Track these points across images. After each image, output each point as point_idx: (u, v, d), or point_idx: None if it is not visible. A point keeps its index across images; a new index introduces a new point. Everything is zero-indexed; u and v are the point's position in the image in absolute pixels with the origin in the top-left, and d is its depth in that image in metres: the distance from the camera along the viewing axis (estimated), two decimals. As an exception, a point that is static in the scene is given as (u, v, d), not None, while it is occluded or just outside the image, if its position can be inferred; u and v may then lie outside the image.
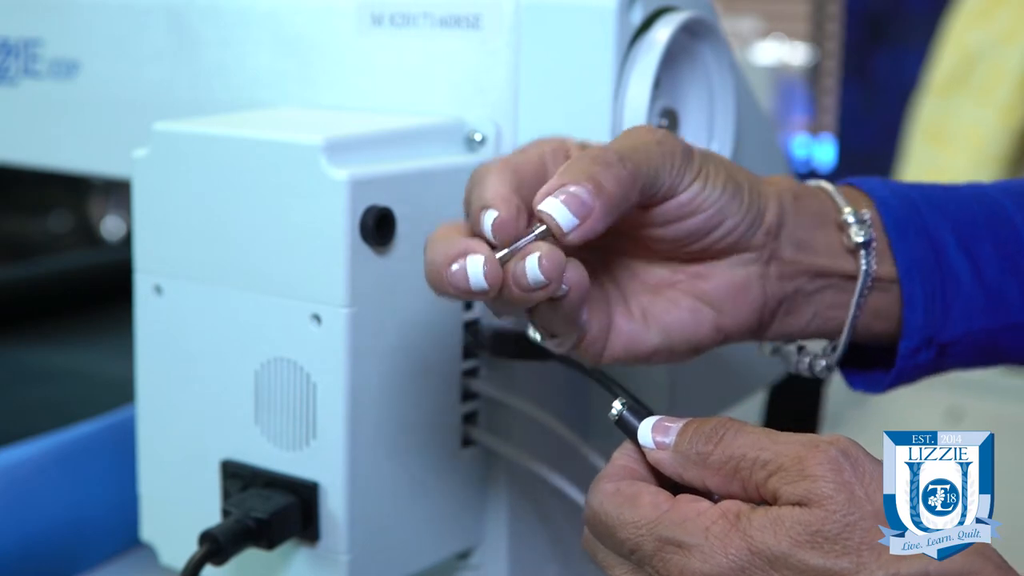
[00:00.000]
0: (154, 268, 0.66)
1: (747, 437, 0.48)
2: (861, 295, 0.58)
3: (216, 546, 0.59)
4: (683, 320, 0.57)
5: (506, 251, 0.50)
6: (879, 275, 0.58)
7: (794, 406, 0.86)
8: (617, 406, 0.51)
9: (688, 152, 0.54)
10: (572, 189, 0.50)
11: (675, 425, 0.50)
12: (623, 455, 0.51)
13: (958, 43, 2.20)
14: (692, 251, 0.56)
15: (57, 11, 0.83)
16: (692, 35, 0.67)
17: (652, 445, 0.50)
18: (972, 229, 0.60)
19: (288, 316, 0.61)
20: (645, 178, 0.52)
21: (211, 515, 0.64)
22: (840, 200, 0.59)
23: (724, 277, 0.57)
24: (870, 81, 3.39)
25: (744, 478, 0.47)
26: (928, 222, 0.60)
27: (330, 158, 0.59)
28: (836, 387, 0.88)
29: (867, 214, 0.58)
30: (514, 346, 0.65)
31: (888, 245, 0.59)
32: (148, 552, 0.71)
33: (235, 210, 0.62)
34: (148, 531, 0.69)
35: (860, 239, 0.58)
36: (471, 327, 0.65)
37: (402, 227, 0.61)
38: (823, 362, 0.62)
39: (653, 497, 0.48)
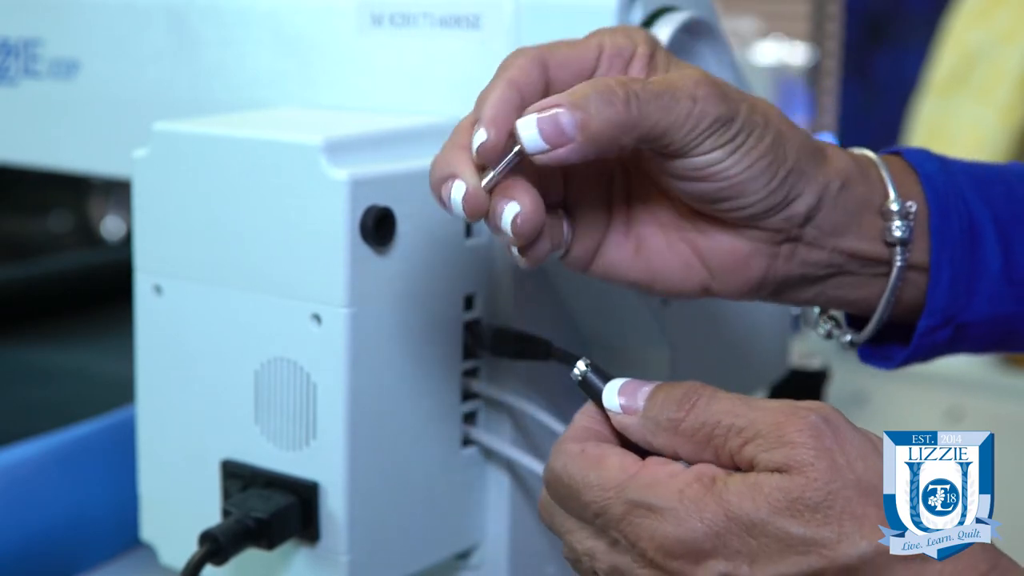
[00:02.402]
0: (154, 268, 0.66)
1: (721, 403, 0.47)
2: (893, 289, 0.58)
3: (216, 546, 0.59)
4: (672, 269, 0.56)
5: (489, 177, 0.49)
6: (910, 263, 0.57)
7: (794, 406, 0.86)
8: (581, 366, 0.50)
9: (727, 118, 0.51)
10: (557, 113, 0.48)
11: (644, 389, 0.49)
12: (586, 417, 0.50)
13: (958, 43, 2.20)
14: (701, 209, 0.54)
15: (57, 11, 0.83)
16: (692, 35, 0.67)
17: (618, 408, 0.49)
18: (1012, 215, 0.59)
19: (288, 316, 0.61)
20: (649, 131, 0.49)
21: (211, 515, 0.64)
22: (890, 185, 0.57)
23: (726, 244, 0.55)
24: (870, 81, 3.39)
25: (718, 446, 0.46)
26: (970, 201, 0.59)
27: (330, 158, 0.59)
28: (836, 387, 0.88)
29: (912, 206, 0.57)
30: (514, 346, 0.65)
31: (927, 226, 0.58)
32: (148, 552, 0.71)
33: (235, 210, 0.62)
34: (148, 531, 0.69)
35: (901, 234, 0.56)
36: (471, 327, 0.65)
37: (402, 227, 0.61)
38: (848, 337, 0.61)
39: (620, 459, 0.47)
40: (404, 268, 0.61)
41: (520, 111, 0.49)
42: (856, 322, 0.62)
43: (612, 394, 0.49)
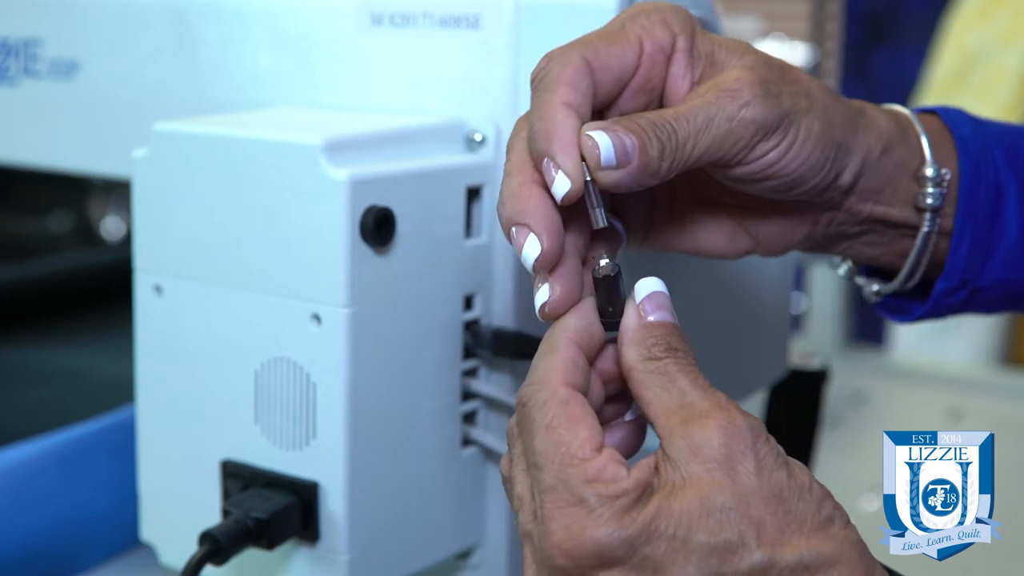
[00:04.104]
0: (154, 268, 0.66)
1: (680, 382, 0.47)
2: (919, 253, 0.58)
3: (216, 546, 0.59)
4: (718, 240, 0.58)
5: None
6: (938, 229, 0.58)
7: (794, 406, 0.86)
8: (610, 265, 0.49)
9: (773, 123, 0.51)
10: (621, 133, 0.48)
11: (666, 321, 0.48)
12: (573, 348, 0.49)
13: (958, 43, 2.20)
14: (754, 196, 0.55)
15: (57, 11, 0.83)
16: (692, 35, 0.67)
17: (656, 314, 0.48)
18: None
19: (288, 316, 0.61)
20: (696, 156, 0.50)
21: (211, 515, 0.64)
22: (928, 150, 0.57)
23: (773, 218, 0.57)
24: (870, 81, 3.39)
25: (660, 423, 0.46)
26: (1000, 169, 0.59)
27: (330, 158, 0.59)
28: (836, 387, 0.88)
29: (948, 173, 0.57)
30: (514, 346, 0.65)
31: (956, 191, 0.58)
32: (148, 552, 0.71)
33: (235, 210, 0.62)
34: (148, 531, 0.69)
35: (932, 201, 0.57)
36: (471, 327, 0.65)
37: (402, 227, 0.61)
38: (875, 287, 0.62)
39: (589, 433, 0.46)
40: (404, 268, 0.61)
41: (591, 100, 0.49)
42: (873, 271, 0.63)
43: (653, 287, 0.49)
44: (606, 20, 0.62)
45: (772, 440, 0.45)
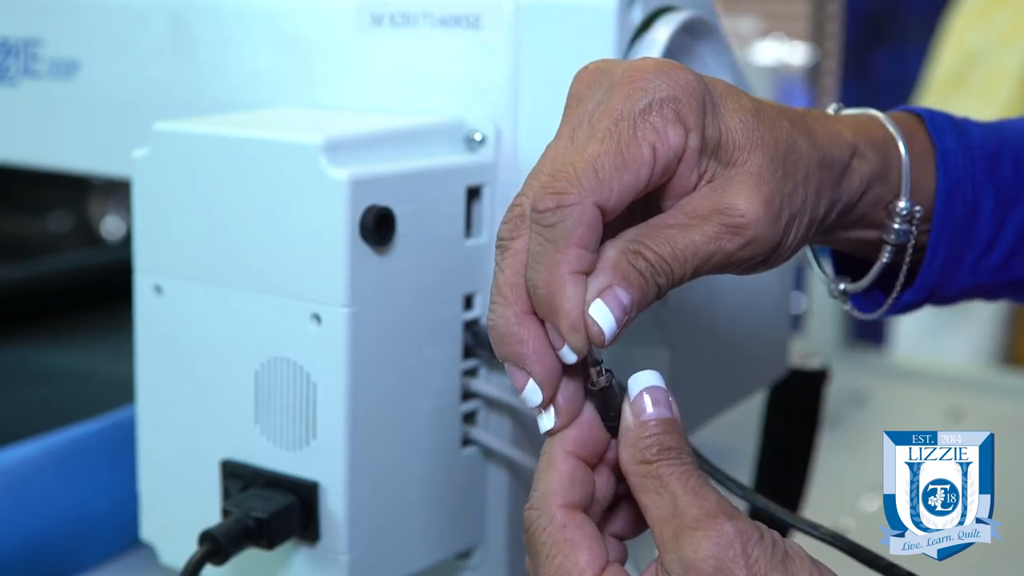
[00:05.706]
0: (154, 268, 0.66)
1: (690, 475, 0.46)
2: (877, 273, 0.59)
3: (216, 546, 0.59)
4: None
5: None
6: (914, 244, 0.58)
7: (794, 406, 0.86)
8: (605, 378, 0.49)
9: (771, 251, 0.50)
10: (620, 292, 0.47)
11: (668, 419, 0.47)
12: (569, 462, 0.48)
13: (958, 43, 2.20)
14: None
15: (57, 11, 0.83)
16: (692, 35, 0.67)
17: (650, 411, 0.47)
18: (1014, 189, 0.60)
19: (288, 316, 0.61)
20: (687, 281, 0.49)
21: (211, 515, 0.64)
22: (906, 184, 0.57)
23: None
24: (870, 81, 3.39)
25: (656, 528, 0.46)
26: (978, 182, 0.59)
27: (330, 158, 0.59)
28: (836, 387, 0.88)
29: (920, 211, 0.57)
30: (514, 346, 0.65)
31: (931, 210, 0.58)
32: (148, 552, 0.71)
33: (235, 210, 0.62)
34: (148, 531, 0.69)
35: (896, 239, 0.57)
36: (471, 327, 0.65)
37: (402, 227, 0.61)
38: (842, 286, 0.62)
39: (589, 557, 0.46)
40: (404, 268, 0.61)
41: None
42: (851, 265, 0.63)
43: (648, 381, 0.48)
44: (606, 20, 0.63)
45: (768, 537, 0.45)
